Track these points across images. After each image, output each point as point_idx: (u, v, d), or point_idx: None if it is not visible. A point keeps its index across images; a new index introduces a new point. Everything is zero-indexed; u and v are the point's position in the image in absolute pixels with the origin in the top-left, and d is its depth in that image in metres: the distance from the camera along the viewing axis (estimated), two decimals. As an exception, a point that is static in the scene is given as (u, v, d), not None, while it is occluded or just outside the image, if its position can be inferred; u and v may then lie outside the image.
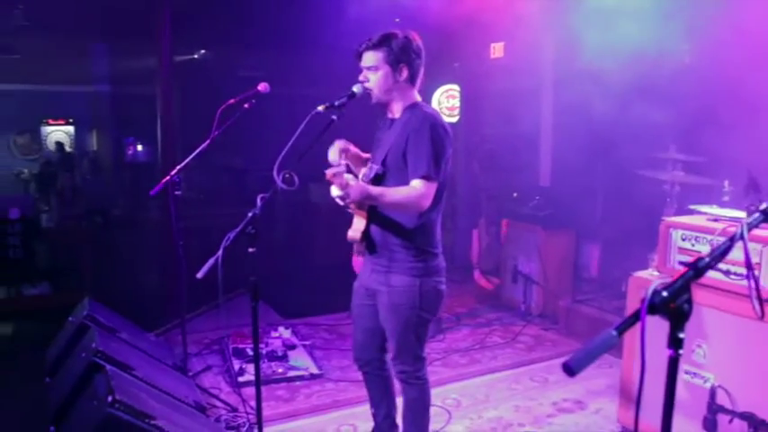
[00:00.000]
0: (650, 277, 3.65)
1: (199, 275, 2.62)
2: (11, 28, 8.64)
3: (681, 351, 1.23)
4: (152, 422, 2.86)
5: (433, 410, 3.25)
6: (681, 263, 3.47)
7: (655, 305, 1.21)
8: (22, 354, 5.35)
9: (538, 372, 4.77)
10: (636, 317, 1.21)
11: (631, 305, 3.71)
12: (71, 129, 13.12)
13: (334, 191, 2.80)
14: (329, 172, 2.65)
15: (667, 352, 1.23)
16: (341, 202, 2.82)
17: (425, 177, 2.77)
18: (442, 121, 2.89)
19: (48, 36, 10.23)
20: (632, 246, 5.26)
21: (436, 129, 2.82)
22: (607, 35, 4.87)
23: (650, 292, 1.22)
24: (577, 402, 4.23)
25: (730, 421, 3.08)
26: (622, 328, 1.21)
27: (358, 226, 3.00)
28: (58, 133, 12.99)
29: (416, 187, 2.77)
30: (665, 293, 1.21)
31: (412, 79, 2.95)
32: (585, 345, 1.22)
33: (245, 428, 3.83)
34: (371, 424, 3.40)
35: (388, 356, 3.23)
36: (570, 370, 1.16)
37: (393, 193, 2.82)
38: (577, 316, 5.50)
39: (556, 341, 5.39)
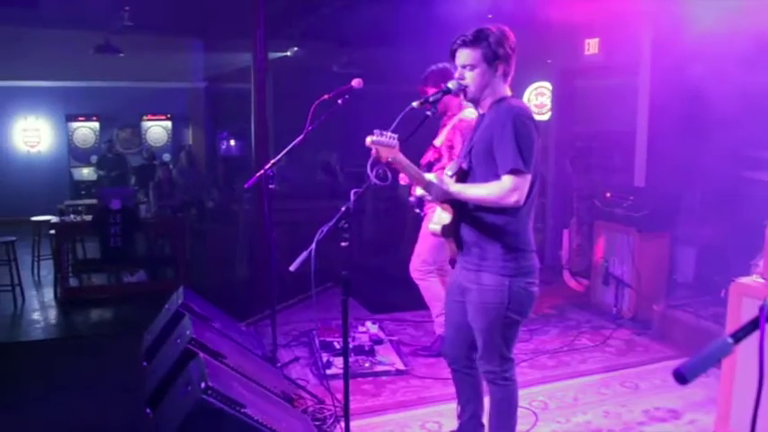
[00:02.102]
0: (754, 284, 3.47)
1: (292, 268, 2.66)
2: (118, 28, 9.08)
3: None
4: (242, 410, 2.92)
5: (519, 412, 3.19)
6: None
7: (775, 313, 1.13)
8: (121, 338, 5.59)
9: (629, 377, 4.61)
10: (754, 324, 1.14)
11: (732, 312, 3.54)
12: (169, 124, 13.62)
13: (419, 191, 2.81)
14: (369, 139, 2.63)
15: (786, 363, 1.15)
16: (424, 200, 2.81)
17: (513, 171, 2.71)
18: (526, 113, 2.84)
19: (149, 35, 10.70)
20: (732, 250, 5.03)
21: (520, 120, 2.76)
22: (707, 30, 4.68)
23: (769, 298, 1.15)
24: (671, 411, 4.06)
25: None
26: (739, 336, 1.14)
27: (441, 219, 2.97)
28: (156, 128, 13.52)
29: (502, 182, 2.73)
30: (786, 301, 1.13)
31: (505, 76, 2.91)
32: (698, 352, 1.16)
33: (331, 421, 3.86)
34: (456, 422, 3.37)
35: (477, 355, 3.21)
36: (683, 378, 1.10)
37: (474, 189, 2.81)
38: (672, 322, 5.30)
39: (648, 346, 5.20)
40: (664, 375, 4.57)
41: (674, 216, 5.78)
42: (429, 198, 2.89)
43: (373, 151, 2.67)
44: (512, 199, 2.72)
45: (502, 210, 2.81)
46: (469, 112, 4.45)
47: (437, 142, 4.65)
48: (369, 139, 2.65)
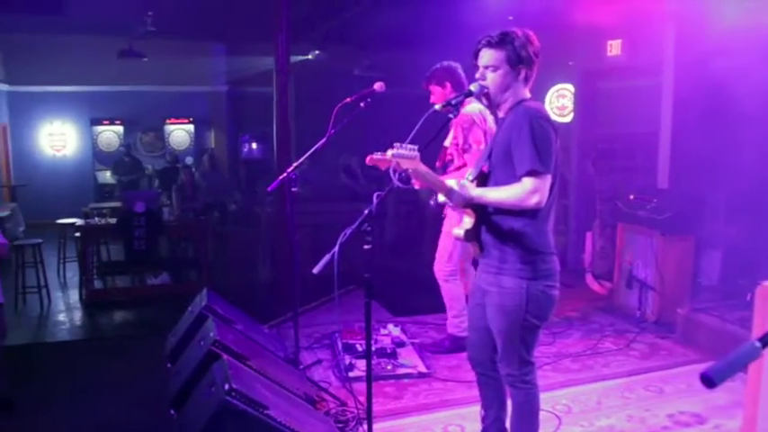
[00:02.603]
0: (781, 287, 3.42)
1: (315, 271, 2.67)
2: (141, 34, 9.19)
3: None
4: (265, 411, 2.94)
5: (542, 415, 3.17)
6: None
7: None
8: (145, 339, 5.64)
9: (653, 381, 4.56)
10: (782, 328, 1.12)
11: (759, 316, 3.49)
12: (191, 127, 13.74)
13: (440, 197, 2.80)
14: (390, 153, 2.62)
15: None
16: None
17: (532, 173, 2.70)
18: (543, 114, 2.82)
19: (172, 40, 10.82)
20: (758, 253, 4.98)
21: (537, 121, 2.75)
22: (731, 28, 4.63)
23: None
24: (695, 416, 4.01)
25: None
26: (767, 341, 1.13)
27: (465, 224, 2.97)
28: (179, 132, 13.65)
29: (522, 184, 2.72)
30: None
31: (527, 80, 2.89)
32: (726, 356, 1.15)
33: (353, 423, 3.87)
34: (479, 425, 3.36)
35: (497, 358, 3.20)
36: (710, 381, 1.09)
37: (494, 193, 2.80)
38: (696, 325, 5.23)
39: (672, 350, 5.15)
40: (688, 379, 4.53)
41: (698, 218, 5.72)
42: (451, 204, 2.88)
43: (393, 164, 2.68)
44: (532, 201, 2.71)
45: (521, 212, 2.80)
46: (470, 108, 4.45)
47: (447, 143, 4.67)
48: (389, 153, 2.66)
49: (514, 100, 2.89)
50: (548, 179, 2.73)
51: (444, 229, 4.89)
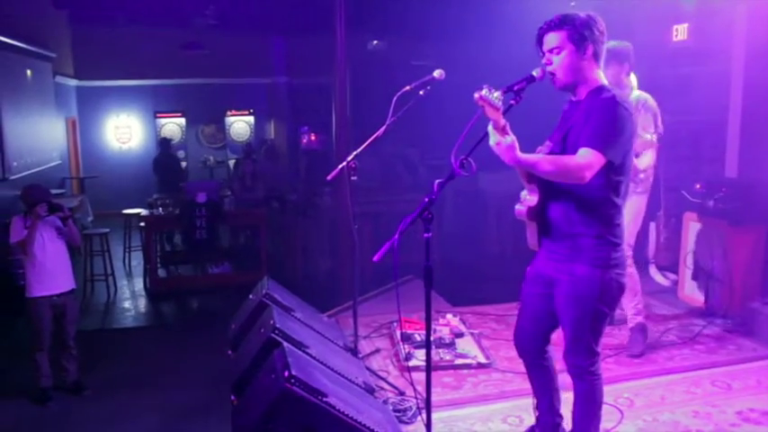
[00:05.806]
0: None
1: (375, 259, 2.66)
2: (202, 26, 9.38)
3: None
4: (324, 399, 2.96)
5: (604, 408, 3.11)
6: None
7: None
8: (207, 326, 5.77)
9: (719, 376, 4.41)
10: None
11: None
12: (251, 119, 13.94)
13: (492, 138, 2.66)
14: (477, 94, 2.50)
15: None
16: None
17: (592, 147, 2.63)
18: (626, 104, 2.76)
19: (232, 33, 11.00)
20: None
21: (619, 109, 2.69)
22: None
23: None
24: (767, 414, 3.88)
25: None
26: None
27: (528, 200, 2.91)
28: (239, 123, 13.86)
29: (581, 155, 2.65)
30: None
31: (596, 57, 2.81)
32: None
33: (411, 412, 3.87)
34: (534, 414, 3.32)
35: (550, 347, 3.19)
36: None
37: (548, 161, 2.69)
38: (766, 319, 5.06)
39: (741, 345, 4.97)
40: (758, 376, 4.38)
41: (769, 208, 5.51)
42: (495, 148, 2.67)
43: (477, 97, 2.55)
44: (582, 173, 2.63)
45: (597, 200, 2.77)
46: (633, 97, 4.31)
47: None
48: (477, 94, 2.54)
49: (591, 83, 2.83)
50: (602, 160, 2.65)
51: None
